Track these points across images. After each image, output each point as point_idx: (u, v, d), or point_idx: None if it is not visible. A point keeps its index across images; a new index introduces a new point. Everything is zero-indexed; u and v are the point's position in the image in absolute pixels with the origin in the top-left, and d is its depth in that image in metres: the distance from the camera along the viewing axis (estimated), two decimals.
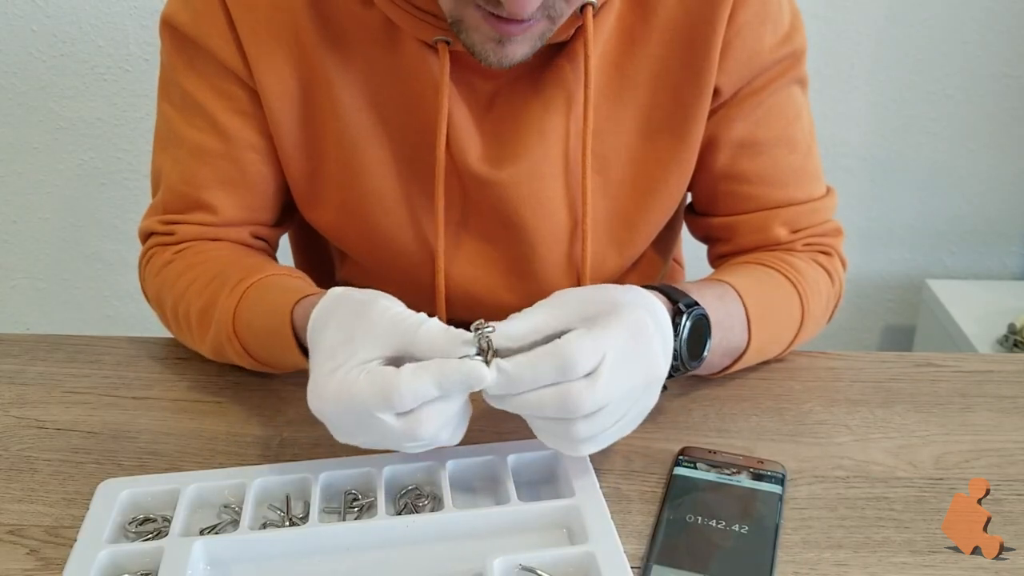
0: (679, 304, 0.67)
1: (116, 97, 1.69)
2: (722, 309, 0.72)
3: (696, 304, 0.68)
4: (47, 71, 1.67)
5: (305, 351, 0.67)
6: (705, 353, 0.69)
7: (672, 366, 0.65)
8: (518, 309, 0.60)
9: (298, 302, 0.68)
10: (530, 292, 0.82)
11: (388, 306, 0.59)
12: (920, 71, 1.74)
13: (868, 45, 1.71)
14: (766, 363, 0.80)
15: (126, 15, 1.63)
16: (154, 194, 0.85)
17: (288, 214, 0.88)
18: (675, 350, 0.66)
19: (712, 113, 0.79)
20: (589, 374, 0.56)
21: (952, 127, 1.79)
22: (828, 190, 0.85)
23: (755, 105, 0.79)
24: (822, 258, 0.83)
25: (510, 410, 0.58)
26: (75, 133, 1.72)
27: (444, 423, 0.57)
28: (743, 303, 0.74)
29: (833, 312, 0.85)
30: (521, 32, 0.65)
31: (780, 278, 0.78)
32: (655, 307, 0.61)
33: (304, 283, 0.75)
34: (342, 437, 0.60)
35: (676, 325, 0.66)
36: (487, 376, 0.56)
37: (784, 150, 0.81)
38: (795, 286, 0.78)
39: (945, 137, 1.80)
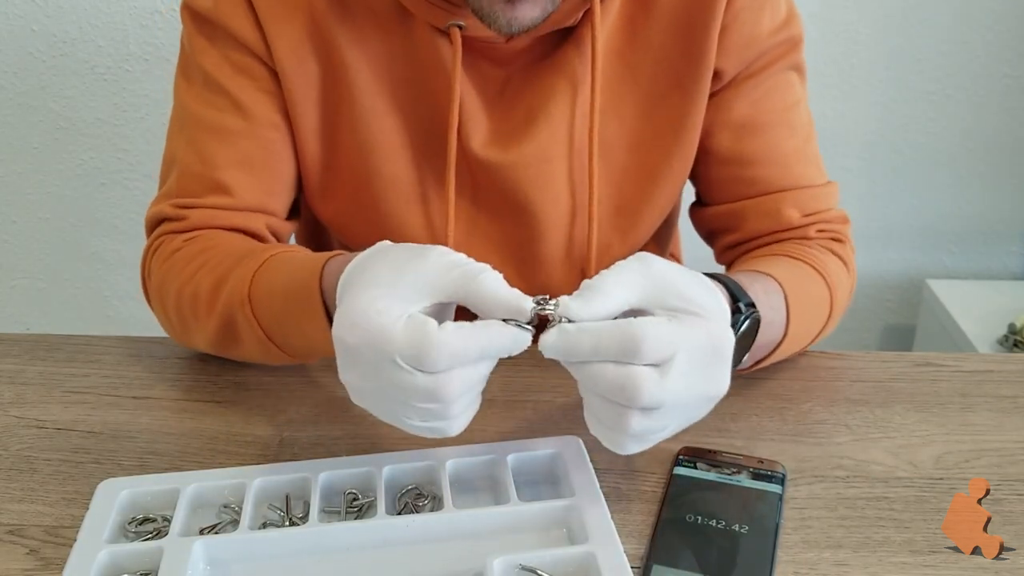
0: (739, 303, 0.65)
1: (116, 97, 1.69)
2: (767, 304, 0.69)
3: (754, 306, 0.66)
4: (47, 71, 1.67)
5: (331, 320, 0.63)
6: (745, 357, 0.68)
7: None
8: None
9: (334, 257, 0.66)
10: (537, 278, 0.82)
11: (446, 251, 0.57)
12: (920, 71, 1.74)
13: (868, 45, 1.71)
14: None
15: (126, 15, 1.63)
16: (163, 181, 0.83)
17: (296, 210, 0.87)
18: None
19: (712, 96, 0.79)
20: (658, 366, 0.53)
21: (952, 127, 1.79)
22: (829, 181, 0.85)
23: (753, 87, 0.80)
24: (836, 246, 0.82)
25: (571, 372, 0.56)
26: (75, 133, 1.72)
27: (467, 389, 0.55)
28: (785, 297, 0.72)
29: (847, 302, 0.83)
30: None
31: (811, 271, 0.77)
32: (731, 332, 0.58)
33: None
34: (349, 376, 0.56)
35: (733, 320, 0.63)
36: (526, 344, 0.54)
37: (784, 132, 0.81)
38: (825, 280, 0.77)
39: (945, 137, 1.80)
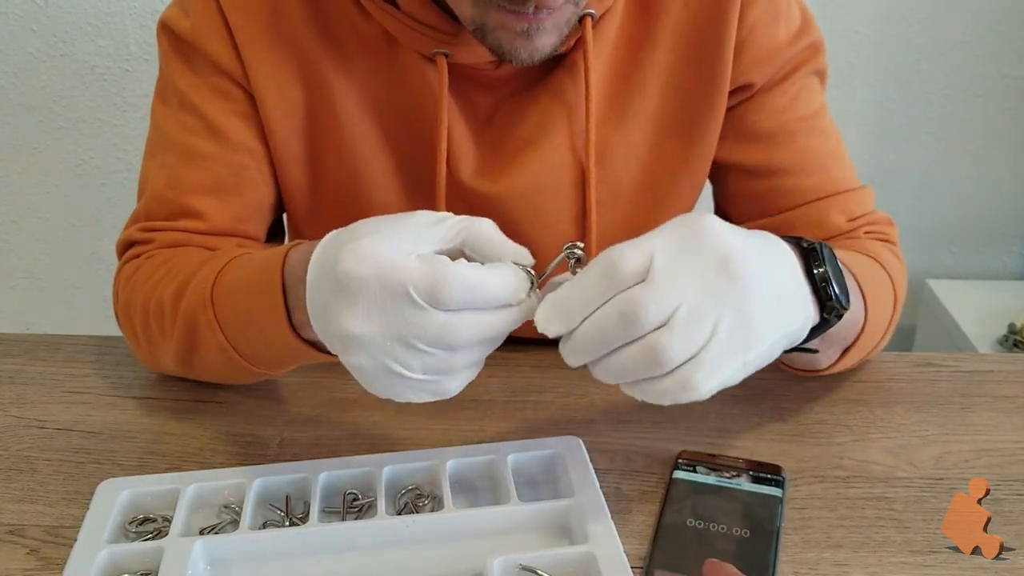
0: (800, 243, 0.58)
1: (116, 97, 1.69)
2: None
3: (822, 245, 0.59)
4: (47, 71, 1.67)
5: (289, 316, 0.59)
6: (850, 293, 0.59)
7: (830, 300, 0.57)
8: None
9: (297, 245, 0.61)
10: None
11: (432, 211, 0.55)
12: (920, 71, 1.74)
13: (868, 45, 1.71)
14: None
15: (126, 15, 1.63)
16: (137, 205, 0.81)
17: (277, 234, 0.86)
18: (825, 277, 0.57)
19: (732, 109, 0.78)
20: (642, 282, 0.49)
21: (952, 127, 1.79)
22: (863, 184, 0.82)
23: (779, 95, 0.78)
24: (889, 246, 0.80)
25: (588, 364, 0.52)
26: (75, 133, 1.73)
27: (475, 339, 0.51)
28: (854, 275, 0.66)
29: (903, 300, 0.78)
30: (547, 18, 0.64)
31: (866, 258, 0.74)
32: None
33: None
34: (349, 320, 0.50)
35: (812, 253, 0.57)
36: (527, 290, 0.52)
37: (817, 137, 0.80)
38: (882, 266, 0.74)
39: (945, 137, 1.80)
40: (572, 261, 0.56)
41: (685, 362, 0.50)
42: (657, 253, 0.50)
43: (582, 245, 0.56)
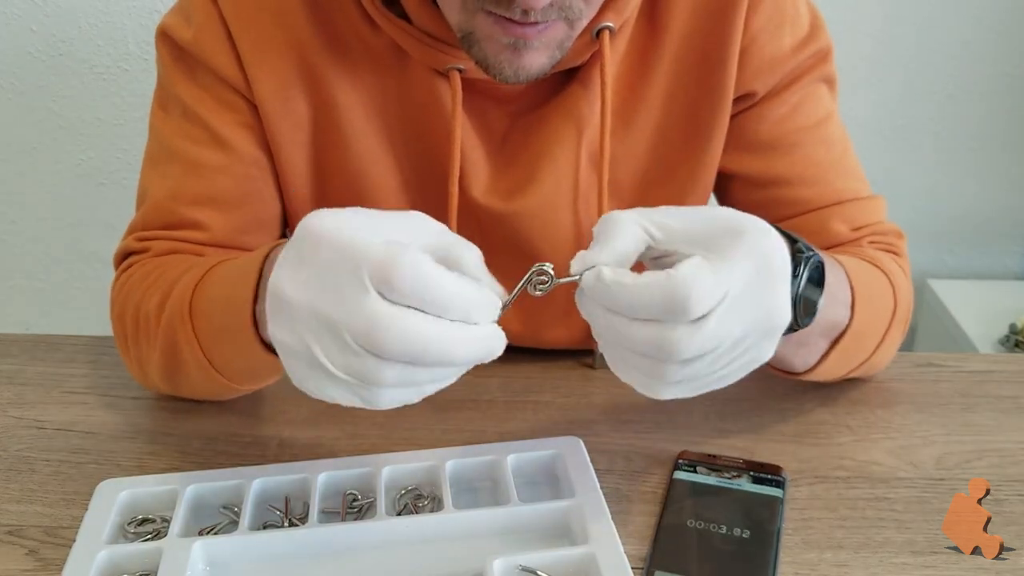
0: (797, 244, 0.57)
1: (116, 97, 1.69)
2: (830, 271, 0.61)
3: (813, 250, 0.58)
4: (47, 71, 1.67)
5: (257, 329, 0.57)
6: (819, 307, 0.59)
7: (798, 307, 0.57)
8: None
9: (279, 245, 0.58)
10: (542, 322, 0.79)
11: (428, 216, 0.53)
12: (920, 71, 1.74)
13: (868, 45, 1.71)
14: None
15: (125, 15, 1.63)
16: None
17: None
18: (792, 297, 0.55)
19: (735, 117, 0.76)
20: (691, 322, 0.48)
21: (952, 127, 1.79)
22: (874, 195, 0.80)
23: (779, 104, 0.76)
24: (894, 257, 0.77)
25: (592, 323, 0.51)
26: (75, 133, 1.72)
27: (405, 354, 0.46)
28: (846, 273, 0.65)
29: (909, 311, 0.76)
30: (536, 35, 0.62)
31: (868, 264, 0.72)
32: (781, 241, 0.52)
33: None
34: (286, 272, 0.48)
35: (793, 267, 0.56)
36: (495, 310, 0.50)
37: (819, 147, 0.77)
38: (884, 273, 0.72)
39: (947, 137, 1.80)
40: (538, 287, 0.53)
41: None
42: (729, 295, 0.48)
43: (551, 265, 0.53)
